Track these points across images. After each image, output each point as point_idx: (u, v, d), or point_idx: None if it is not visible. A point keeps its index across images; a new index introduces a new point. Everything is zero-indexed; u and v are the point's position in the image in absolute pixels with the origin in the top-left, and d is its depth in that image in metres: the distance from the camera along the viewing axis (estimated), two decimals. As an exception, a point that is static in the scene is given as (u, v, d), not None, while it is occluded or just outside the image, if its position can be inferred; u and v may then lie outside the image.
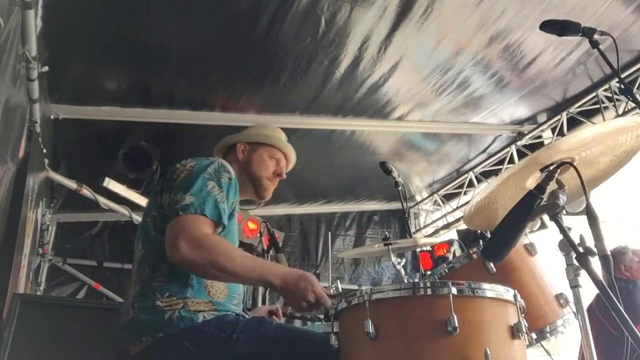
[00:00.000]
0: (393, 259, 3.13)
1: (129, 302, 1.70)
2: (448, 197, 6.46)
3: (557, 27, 2.22)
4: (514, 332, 1.41)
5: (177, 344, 1.56)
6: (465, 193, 6.17)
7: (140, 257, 1.77)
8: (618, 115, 4.48)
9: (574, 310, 1.48)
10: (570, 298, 1.53)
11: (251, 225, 4.91)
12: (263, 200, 2.16)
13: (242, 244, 4.35)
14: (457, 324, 1.33)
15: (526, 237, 2.04)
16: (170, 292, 1.64)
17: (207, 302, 1.65)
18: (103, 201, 4.54)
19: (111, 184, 4.30)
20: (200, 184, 1.71)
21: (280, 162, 2.17)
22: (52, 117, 3.93)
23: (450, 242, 5.47)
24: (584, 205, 1.40)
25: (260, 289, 5.77)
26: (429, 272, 3.73)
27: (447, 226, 6.43)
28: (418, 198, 6.79)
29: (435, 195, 6.51)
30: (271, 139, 2.18)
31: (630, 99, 2.55)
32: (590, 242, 1.37)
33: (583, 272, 1.39)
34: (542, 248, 2.09)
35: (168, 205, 1.71)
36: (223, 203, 1.72)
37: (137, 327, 1.62)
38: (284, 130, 5.00)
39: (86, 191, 4.44)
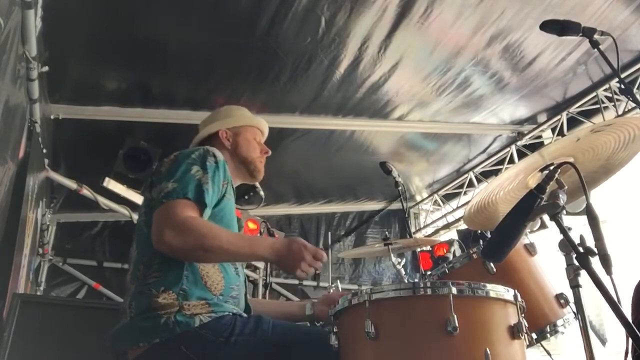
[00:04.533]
0: (393, 259, 3.13)
1: (126, 302, 1.69)
2: (448, 197, 6.47)
3: (557, 27, 2.22)
4: (514, 332, 1.41)
5: (173, 350, 1.54)
6: (465, 193, 6.17)
7: (135, 258, 1.76)
8: (618, 115, 4.49)
9: (574, 310, 1.48)
10: (570, 298, 1.53)
11: (251, 225, 4.90)
12: (257, 181, 2.16)
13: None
14: (457, 324, 1.32)
15: (526, 237, 2.04)
16: (166, 286, 1.62)
17: (204, 304, 1.62)
18: (103, 201, 4.54)
19: (111, 184, 4.30)
20: (183, 170, 1.70)
21: (261, 140, 2.19)
22: (52, 117, 3.93)
23: (450, 242, 5.47)
24: (584, 205, 1.40)
25: (261, 290, 5.79)
26: (429, 272, 3.72)
27: (447, 226, 6.44)
28: (418, 198, 6.79)
29: (435, 195, 6.51)
30: (247, 119, 2.20)
31: (630, 99, 2.56)
32: (590, 242, 1.37)
33: (583, 272, 1.39)
34: (542, 248, 2.09)
35: (155, 197, 1.71)
36: (207, 184, 1.70)
37: (133, 332, 1.60)
38: (284, 130, 5.04)
39: (86, 191, 4.44)
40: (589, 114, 4.83)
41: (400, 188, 3.44)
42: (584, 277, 1.40)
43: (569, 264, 1.43)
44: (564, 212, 1.47)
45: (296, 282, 6.22)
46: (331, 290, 3.09)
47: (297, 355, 1.65)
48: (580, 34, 2.16)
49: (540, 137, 5.30)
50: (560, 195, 1.47)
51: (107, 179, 4.27)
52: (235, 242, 1.64)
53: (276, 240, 1.72)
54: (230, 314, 1.68)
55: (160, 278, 1.64)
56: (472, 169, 5.97)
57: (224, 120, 2.15)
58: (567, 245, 1.42)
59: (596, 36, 2.14)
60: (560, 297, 1.93)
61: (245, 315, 1.77)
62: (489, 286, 1.45)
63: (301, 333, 1.78)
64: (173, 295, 1.60)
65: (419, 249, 5.59)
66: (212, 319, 1.61)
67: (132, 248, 1.82)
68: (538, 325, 1.84)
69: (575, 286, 1.43)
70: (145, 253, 1.71)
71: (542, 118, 5.17)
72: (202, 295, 1.65)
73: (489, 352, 1.32)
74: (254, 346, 1.60)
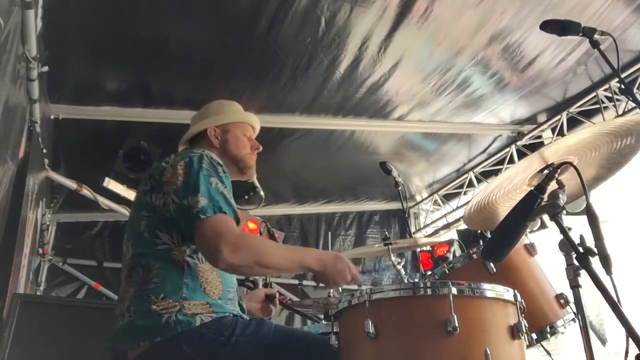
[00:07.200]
0: (393, 259, 3.13)
1: (124, 305, 1.68)
2: (448, 197, 6.46)
3: (558, 27, 2.22)
4: (514, 332, 1.42)
5: (175, 348, 1.55)
6: (465, 193, 6.17)
7: (131, 259, 1.74)
8: (618, 115, 4.48)
9: (574, 310, 1.48)
10: (570, 298, 1.53)
11: (251, 225, 4.90)
12: (248, 178, 2.14)
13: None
14: (457, 324, 1.33)
15: (526, 237, 2.04)
16: (165, 293, 1.61)
17: (204, 304, 1.63)
18: (103, 201, 4.54)
19: (111, 184, 4.30)
20: (205, 184, 1.69)
21: (252, 135, 2.16)
22: (52, 117, 3.93)
23: (450, 242, 5.46)
24: (584, 205, 1.40)
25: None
26: (429, 272, 3.73)
27: (447, 226, 6.43)
28: (418, 198, 6.79)
29: (435, 195, 6.51)
30: (237, 115, 2.16)
31: (630, 99, 2.56)
32: (590, 242, 1.37)
33: (583, 272, 1.39)
34: (542, 248, 2.09)
35: (162, 205, 1.70)
36: (230, 198, 1.73)
37: (134, 331, 1.60)
38: (284, 130, 5.04)
39: (86, 191, 4.44)
40: (589, 114, 4.83)
41: (400, 188, 3.44)
42: (584, 277, 1.40)
43: (569, 264, 1.43)
44: (564, 212, 1.47)
45: (296, 282, 6.22)
46: (331, 291, 3.09)
47: (297, 357, 1.65)
48: (580, 34, 2.16)
49: (540, 137, 5.29)
50: (560, 195, 1.47)
51: (107, 179, 4.27)
52: (288, 257, 1.72)
53: (323, 254, 1.78)
54: (231, 315, 1.68)
55: (159, 285, 1.63)
56: (472, 169, 5.97)
57: (213, 118, 2.11)
58: (567, 245, 1.42)
59: (596, 36, 2.14)
60: (560, 297, 1.94)
61: (246, 317, 1.78)
62: (489, 286, 1.45)
63: (302, 338, 1.78)
64: (173, 302, 1.61)
65: (419, 249, 5.59)
66: (213, 319, 1.61)
67: (126, 247, 1.79)
68: (538, 325, 1.84)
69: (575, 286, 1.43)
70: (143, 256, 1.70)
71: (542, 118, 5.17)
72: (202, 299, 1.65)
73: (488, 352, 1.32)
74: (254, 347, 1.60)
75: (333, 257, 1.74)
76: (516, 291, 1.49)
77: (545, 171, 1.54)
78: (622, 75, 3.64)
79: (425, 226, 6.77)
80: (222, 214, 1.64)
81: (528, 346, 1.55)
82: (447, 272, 2.04)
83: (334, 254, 1.77)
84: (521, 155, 5.35)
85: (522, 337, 1.43)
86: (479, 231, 4.15)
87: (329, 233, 6.10)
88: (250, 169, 2.10)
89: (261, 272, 1.73)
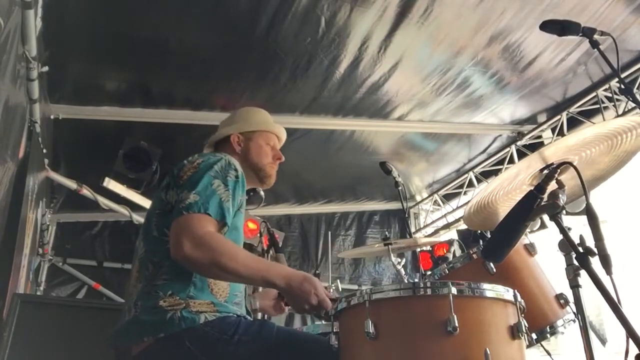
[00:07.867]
0: (393, 259, 3.13)
1: (131, 301, 1.69)
2: (448, 197, 6.47)
3: (557, 27, 2.23)
4: (514, 332, 1.42)
5: (178, 345, 1.56)
6: (465, 193, 6.17)
7: (142, 256, 1.76)
8: (618, 115, 4.49)
9: (574, 310, 1.48)
10: (570, 298, 1.53)
11: (251, 225, 4.89)
12: (267, 187, 2.15)
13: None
14: (457, 324, 1.33)
15: (526, 237, 2.04)
16: (173, 290, 1.63)
17: (209, 303, 1.64)
18: (103, 201, 4.54)
19: (111, 184, 4.30)
20: (205, 183, 1.69)
21: (276, 145, 2.17)
22: (52, 117, 3.93)
23: (450, 242, 5.46)
24: (584, 205, 1.40)
25: (260, 289, 5.77)
26: (429, 272, 3.73)
27: (447, 226, 6.43)
28: (418, 198, 6.79)
29: (435, 195, 6.51)
30: (263, 124, 2.18)
31: (630, 99, 2.56)
32: (590, 242, 1.37)
33: (583, 272, 1.39)
34: (542, 248, 2.09)
35: (175, 203, 1.71)
36: (227, 202, 1.71)
37: (138, 327, 1.62)
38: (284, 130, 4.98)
39: (86, 191, 4.45)
40: (589, 114, 4.83)
41: (400, 188, 3.44)
42: (584, 277, 1.40)
43: (569, 264, 1.43)
44: (564, 212, 1.47)
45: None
46: (331, 290, 3.09)
47: (299, 358, 1.65)
48: (580, 34, 2.17)
49: (540, 137, 5.29)
50: (560, 195, 1.47)
51: (107, 179, 4.28)
52: (250, 266, 1.63)
53: (291, 272, 1.68)
54: (235, 315, 1.70)
55: (168, 281, 1.65)
56: (472, 169, 5.97)
57: (238, 124, 2.14)
58: (567, 245, 1.42)
59: (596, 36, 2.14)
60: (560, 297, 1.94)
61: (250, 318, 1.78)
62: (489, 286, 1.45)
63: (306, 340, 1.78)
64: (180, 300, 1.62)
65: (419, 249, 5.59)
66: (217, 318, 1.63)
67: (139, 244, 1.82)
68: (538, 325, 1.85)
69: (575, 286, 1.43)
70: (154, 253, 1.72)
71: (542, 118, 5.17)
72: (208, 299, 1.67)
73: (488, 352, 1.32)
74: (256, 347, 1.61)
75: (301, 277, 1.65)
76: (516, 291, 1.49)
77: (545, 171, 1.54)
78: (622, 75, 3.65)
79: (425, 226, 6.77)
80: (204, 215, 1.63)
81: (528, 346, 1.55)
82: (447, 272, 2.04)
83: (303, 274, 1.67)
84: (521, 155, 5.35)
85: (522, 337, 1.43)
86: (479, 231, 4.15)
87: (329, 233, 6.09)
88: (270, 178, 2.11)
89: (219, 274, 1.61)
